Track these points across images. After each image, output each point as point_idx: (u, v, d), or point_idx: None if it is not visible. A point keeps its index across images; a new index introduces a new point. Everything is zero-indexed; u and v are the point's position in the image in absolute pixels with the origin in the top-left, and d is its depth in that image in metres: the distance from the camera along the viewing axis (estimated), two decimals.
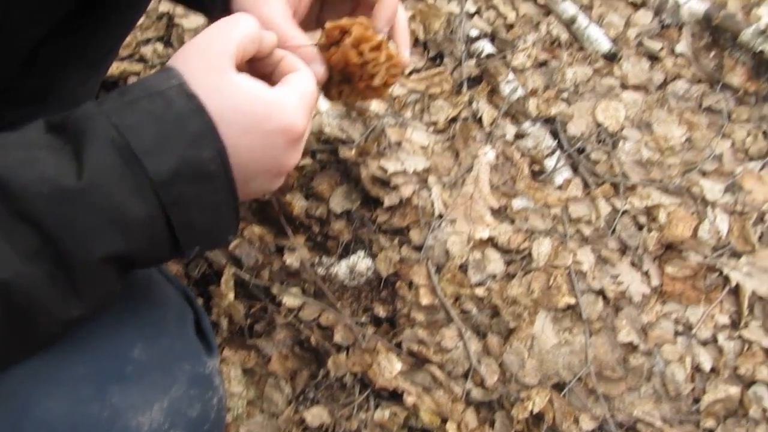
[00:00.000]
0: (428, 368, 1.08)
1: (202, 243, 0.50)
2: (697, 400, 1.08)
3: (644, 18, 1.43)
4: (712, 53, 1.39)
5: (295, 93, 0.50)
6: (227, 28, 0.50)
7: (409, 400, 1.04)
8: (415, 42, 1.38)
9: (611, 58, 1.37)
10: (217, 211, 0.48)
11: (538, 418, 1.04)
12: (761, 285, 1.15)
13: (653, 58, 1.39)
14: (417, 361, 1.09)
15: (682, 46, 1.39)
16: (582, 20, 1.39)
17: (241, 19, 0.50)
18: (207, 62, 0.47)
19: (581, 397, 1.07)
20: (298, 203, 1.18)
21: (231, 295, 1.10)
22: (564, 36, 1.39)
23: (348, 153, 1.23)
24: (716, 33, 1.39)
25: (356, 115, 1.28)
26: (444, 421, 1.03)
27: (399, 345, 1.10)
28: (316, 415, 1.04)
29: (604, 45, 1.37)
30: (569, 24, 1.40)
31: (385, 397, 1.06)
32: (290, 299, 1.13)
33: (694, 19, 1.41)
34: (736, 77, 1.35)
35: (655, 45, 1.40)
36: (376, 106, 1.28)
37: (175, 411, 0.51)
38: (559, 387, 1.07)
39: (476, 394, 1.06)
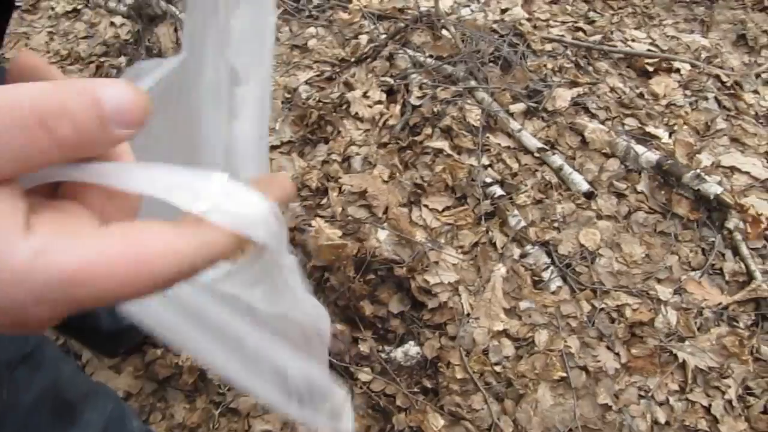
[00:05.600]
0: (463, 424, 1.53)
1: None
2: None
3: (613, 165, 1.94)
4: (663, 191, 1.89)
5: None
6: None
7: None
8: (446, 187, 1.91)
9: (589, 196, 1.87)
10: None
11: None
12: (701, 361, 1.59)
13: (620, 195, 1.89)
14: (454, 419, 1.54)
15: (641, 186, 1.90)
16: (567, 168, 1.91)
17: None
18: None
19: None
20: (368, 307, 1.67)
21: None
22: (554, 180, 1.91)
23: (400, 270, 1.73)
24: (666, 176, 1.90)
25: (405, 242, 1.79)
26: None
27: (442, 407, 1.56)
28: None
29: (584, 186, 1.88)
30: (558, 171, 1.92)
31: None
32: (363, 376, 1.60)
33: (649, 165, 1.92)
34: (682, 209, 1.84)
35: (621, 185, 1.90)
36: (419, 236, 1.79)
37: None
38: None
39: None
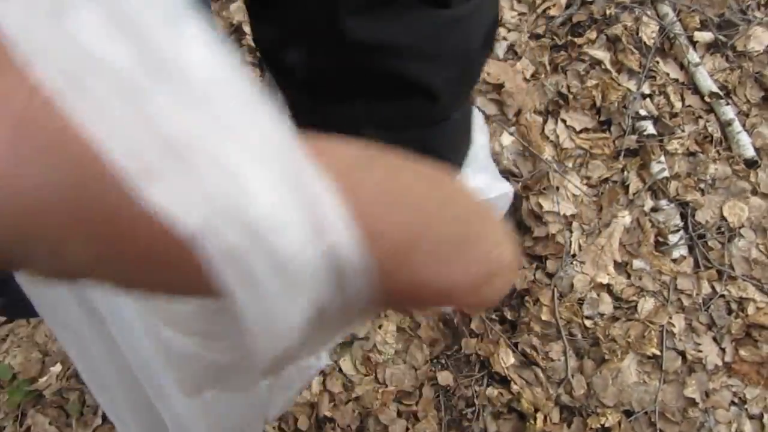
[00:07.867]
0: (534, 369, 1.41)
1: None
2: None
3: None
4: None
5: None
6: None
7: (515, 387, 1.38)
8: (592, 105, 1.66)
9: (751, 164, 1.61)
10: None
11: (605, 431, 1.37)
12: None
13: None
14: (527, 361, 1.42)
15: None
16: (737, 125, 1.63)
17: None
18: None
19: (643, 426, 1.38)
20: None
21: None
22: (717, 134, 1.64)
23: (515, 185, 1.55)
24: None
25: (529, 155, 1.59)
26: (536, 410, 1.37)
27: (516, 345, 1.43)
28: (444, 377, 1.40)
29: (749, 152, 1.61)
30: (725, 125, 1.65)
31: (497, 380, 1.41)
32: None
33: None
34: None
35: None
36: (547, 153, 1.59)
37: None
38: (628, 414, 1.39)
39: (565, 399, 1.39)
